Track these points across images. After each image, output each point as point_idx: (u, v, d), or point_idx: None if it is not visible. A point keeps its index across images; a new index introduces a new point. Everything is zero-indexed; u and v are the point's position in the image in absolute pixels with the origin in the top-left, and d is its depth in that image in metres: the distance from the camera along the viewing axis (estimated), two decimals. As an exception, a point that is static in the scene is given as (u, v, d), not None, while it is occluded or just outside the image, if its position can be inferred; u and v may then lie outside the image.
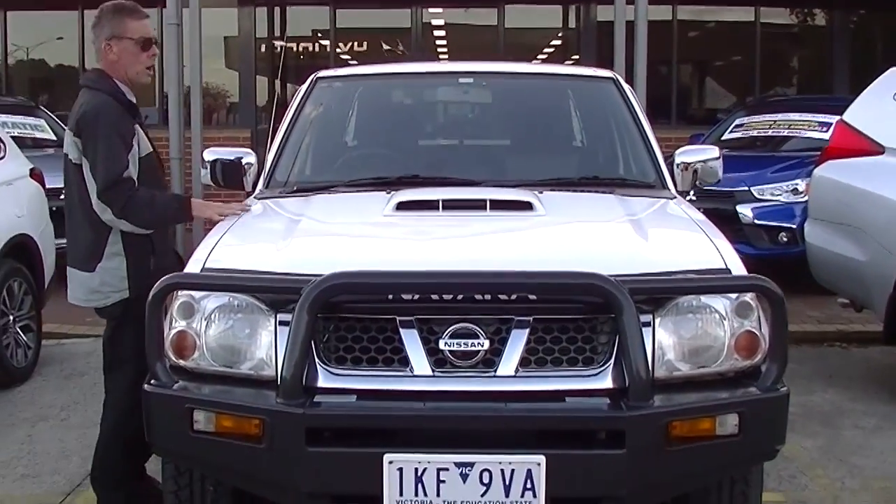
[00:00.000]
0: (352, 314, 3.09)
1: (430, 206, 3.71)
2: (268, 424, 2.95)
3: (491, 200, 3.71)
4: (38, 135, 10.24)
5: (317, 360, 3.07)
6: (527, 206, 3.70)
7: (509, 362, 3.03)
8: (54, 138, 10.23)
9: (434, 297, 3.06)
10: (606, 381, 3.02)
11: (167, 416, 3.11)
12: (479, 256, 3.29)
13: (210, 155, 4.68)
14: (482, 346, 3.03)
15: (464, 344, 3.03)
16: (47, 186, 6.93)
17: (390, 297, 3.06)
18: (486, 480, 2.89)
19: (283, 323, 3.07)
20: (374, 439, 2.94)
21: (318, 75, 4.93)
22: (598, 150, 4.73)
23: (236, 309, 3.17)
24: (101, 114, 3.81)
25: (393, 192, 3.88)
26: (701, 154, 4.55)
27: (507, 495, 2.89)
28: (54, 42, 14.15)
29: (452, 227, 3.66)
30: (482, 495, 2.90)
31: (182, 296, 3.21)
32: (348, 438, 2.95)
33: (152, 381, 3.14)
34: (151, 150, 4.04)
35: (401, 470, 2.89)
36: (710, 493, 3.39)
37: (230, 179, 4.60)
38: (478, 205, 3.71)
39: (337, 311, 3.08)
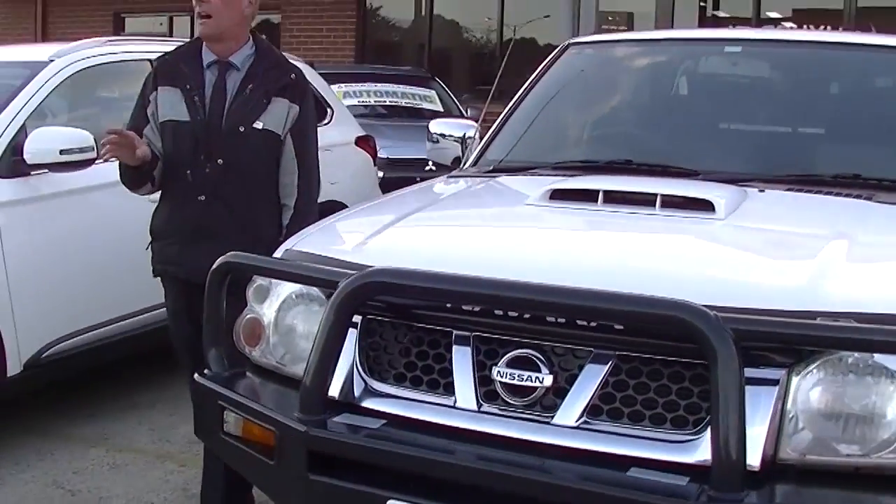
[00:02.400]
0: (405, 321, 2.53)
1: (588, 197, 2.98)
2: (278, 439, 2.49)
3: (663, 196, 2.90)
4: (426, 105, 10.49)
5: (360, 371, 2.55)
6: (707, 206, 2.84)
7: (573, 408, 2.29)
8: (441, 110, 10.42)
9: (498, 312, 2.40)
10: (697, 453, 2.17)
11: (204, 411, 2.76)
12: (584, 267, 2.55)
13: (436, 127, 4.25)
14: (542, 381, 2.32)
15: (519, 377, 2.34)
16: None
17: (448, 305, 2.46)
18: (503, 560, 2.21)
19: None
20: (383, 479, 2.35)
21: (571, 41, 4.28)
22: (876, 140, 3.60)
23: (302, 300, 2.74)
24: None
25: (564, 179, 3.19)
26: None
27: (527, 586, 2.19)
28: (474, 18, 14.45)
29: (592, 226, 2.91)
30: (497, 578, 2.22)
31: (259, 279, 2.84)
32: (354, 472, 2.39)
33: (204, 371, 2.81)
34: (186, 119, 3.40)
35: (407, 522, 2.30)
36: None
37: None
38: (647, 199, 2.91)
39: (390, 316, 2.54)
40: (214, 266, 2.76)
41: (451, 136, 4.19)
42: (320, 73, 10.69)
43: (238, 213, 3.42)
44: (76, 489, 4.18)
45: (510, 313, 2.38)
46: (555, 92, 4.09)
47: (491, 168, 3.74)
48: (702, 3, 13.13)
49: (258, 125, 3.38)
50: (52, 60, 4.86)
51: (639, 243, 2.78)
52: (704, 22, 12.65)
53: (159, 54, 3.66)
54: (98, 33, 12.12)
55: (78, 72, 4.93)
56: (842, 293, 2.31)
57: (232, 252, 2.78)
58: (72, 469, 4.37)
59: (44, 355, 4.53)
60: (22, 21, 16.69)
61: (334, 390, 2.53)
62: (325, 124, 6.79)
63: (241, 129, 3.37)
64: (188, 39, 3.77)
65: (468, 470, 2.27)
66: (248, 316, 2.85)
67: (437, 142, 4.28)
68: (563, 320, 2.32)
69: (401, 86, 10.36)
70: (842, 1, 12.02)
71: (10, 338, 4.41)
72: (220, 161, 3.37)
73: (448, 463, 2.29)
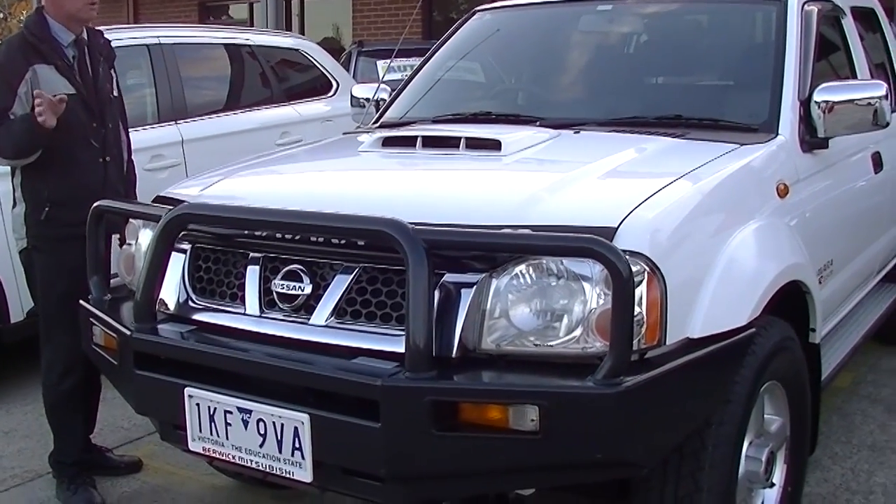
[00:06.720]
0: (218, 246, 3.07)
1: (410, 142, 3.46)
2: (118, 344, 3.06)
3: (466, 139, 3.35)
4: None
5: (187, 289, 3.09)
6: (496, 145, 3.28)
7: (324, 311, 2.78)
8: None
9: (278, 235, 2.91)
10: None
11: (85, 328, 3.33)
12: (360, 197, 3.06)
13: (357, 91, 4.75)
14: (303, 290, 2.82)
15: (288, 286, 2.85)
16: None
17: (245, 232, 2.98)
18: (262, 431, 2.72)
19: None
20: (184, 372, 2.89)
21: (478, 8, 4.71)
22: (707, 86, 3.91)
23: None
24: None
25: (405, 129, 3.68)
26: (852, 92, 3.56)
27: (280, 451, 2.69)
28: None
29: (393, 165, 3.41)
30: (260, 446, 2.73)
31: (131, 220, 3.42)
32: (168, 367, 2.93)
33: (89, 296, 3.39)
34: (73, 92, 3.67)
35: (198, 406, 2.84)
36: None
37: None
38: (454, 143, 3.37)
39: (210, 243, 3.08)
40: (91, 211, 3.34)
41: (369, 99, 4.67)
42: (368, 51, 11.22)
43: (122, 168, 4.01)
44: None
45: (286, 235, 2.88)
46: (452, 54, 4.55)
47: (379, 124, 4.23)
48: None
49: (115, 92, 3.94)
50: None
51: (413, 178, 3.27)
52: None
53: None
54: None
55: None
56: (540, 211, 2.72)
57: (101, 200, 3.37)
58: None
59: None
60: (113, 13, 17.62)
61: (171, 305, 3.10)
62: (330, 96, 7.36)
63: (111, 96, 3.89)
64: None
65: (235, 361, 2.80)
66: (125, 251, 3.44)
67: (364, 106, 4.75)
68: (321, 239, 2.82)
69: (445, 60, 10.78)
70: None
71: (13, 289, 5.13)
72: (110, 125, 3.86)
73: (221, 356, 2.83)
